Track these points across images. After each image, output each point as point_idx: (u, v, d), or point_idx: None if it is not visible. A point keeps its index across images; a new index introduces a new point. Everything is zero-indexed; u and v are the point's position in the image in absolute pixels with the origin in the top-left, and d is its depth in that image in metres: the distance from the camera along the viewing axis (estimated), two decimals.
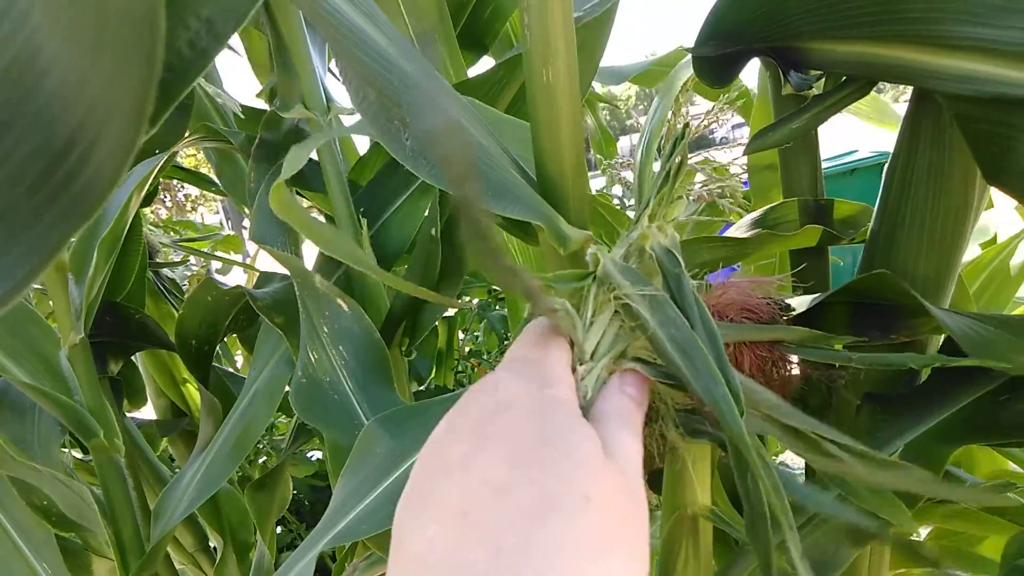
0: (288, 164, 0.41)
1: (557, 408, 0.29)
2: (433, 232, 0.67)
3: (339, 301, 0.58)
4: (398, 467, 0.51)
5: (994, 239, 1.26)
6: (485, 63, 1.00)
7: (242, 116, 0.92)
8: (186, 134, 0.81)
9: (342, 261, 0.51)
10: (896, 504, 0.44)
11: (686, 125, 0.48)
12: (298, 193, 0.95)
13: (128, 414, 1.39)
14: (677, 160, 0.48)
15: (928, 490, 0.34)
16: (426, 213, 0.74)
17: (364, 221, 0.72)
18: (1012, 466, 0.92)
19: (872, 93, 1.23)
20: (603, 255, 0.37)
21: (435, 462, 0.28)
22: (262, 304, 0.71)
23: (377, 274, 0.52)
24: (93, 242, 0.75)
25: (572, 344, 0.35)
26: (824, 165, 0.69)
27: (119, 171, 0.27)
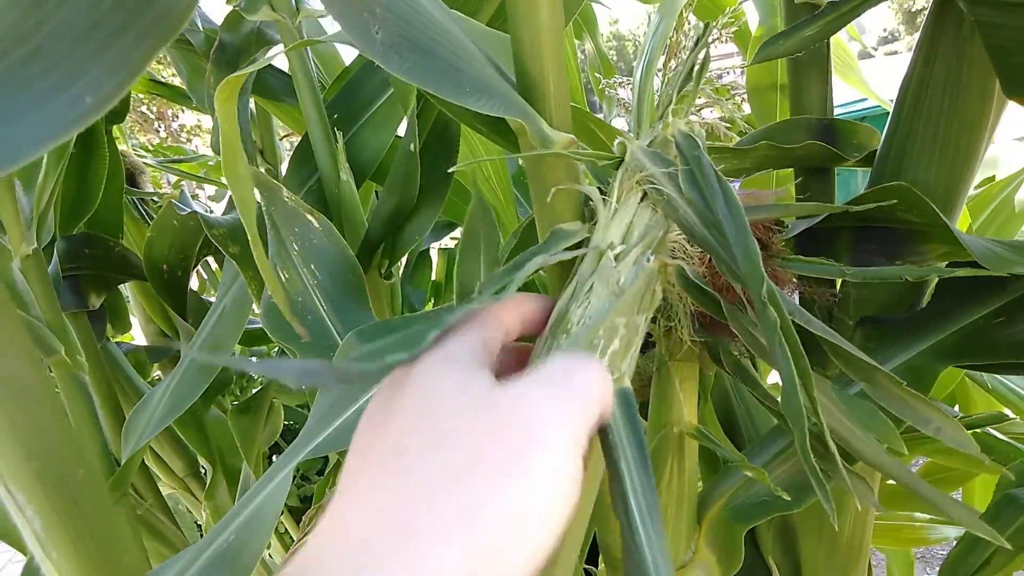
0: (250, 67, 0.38)
1: (438, 365, 0.30)
2: (411, 148, 0.63)
3: (309, 217, 0.55)
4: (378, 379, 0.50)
5: (992, 178, 1.24)
6: None
7: None
8: None
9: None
10: (886, 423, 0.43)
11: (708, 24, 0.47)
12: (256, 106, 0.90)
13: (114, 339, 1.38)
14: (700, 56, 0.47)
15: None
16: (403, 124, 0.70)
17: (339, 135, 0.68)
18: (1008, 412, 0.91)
19: (844, 46, 1.21)
20: (630, 142, 0.38)
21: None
22: (216, 232, 0.68)
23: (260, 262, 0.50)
24: None
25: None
26: (835, 112, 0.66)
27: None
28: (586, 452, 0.28)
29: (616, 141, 0.39)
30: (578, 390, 0.29)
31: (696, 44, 0.54)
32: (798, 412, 0.28)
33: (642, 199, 0.37)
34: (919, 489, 0.34)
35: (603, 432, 0.31)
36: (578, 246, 0.38)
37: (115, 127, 1.23)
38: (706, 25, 0.51)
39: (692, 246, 0.37)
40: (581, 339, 0.32)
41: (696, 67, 0.47)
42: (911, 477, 0.35)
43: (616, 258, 0.35)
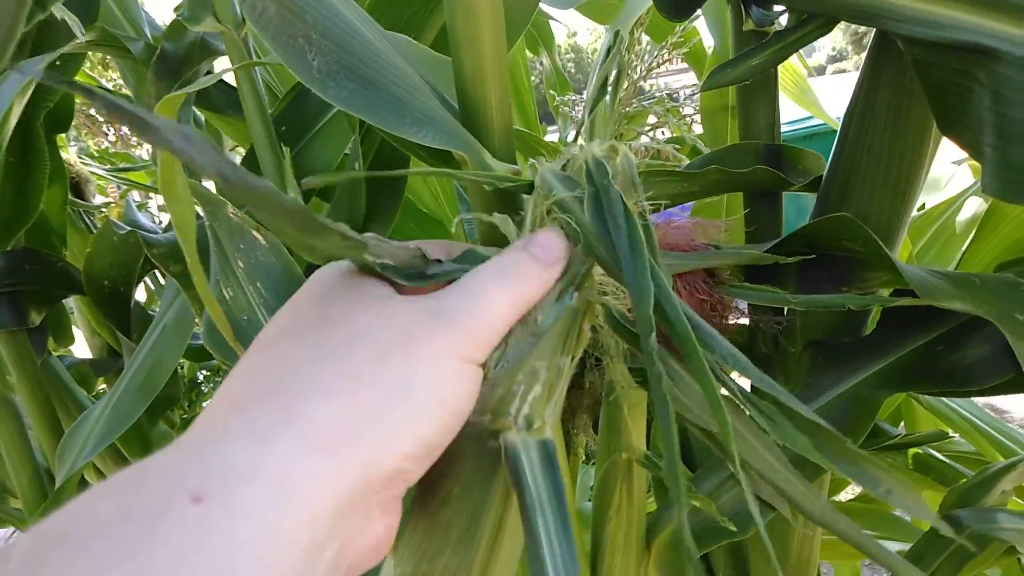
0: (196, 84, 0.37)
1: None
2: (357, 167, 0.62)
3: (255, 234, 0.54)
4: None
5: (922, 206, 1.26)
6: None
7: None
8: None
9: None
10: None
11: (618, 34, 0.45)
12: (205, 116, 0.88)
13: (56, 353, 1.33)
14: (615, 72, 0.44)
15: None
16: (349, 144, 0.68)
17: (286, 150, 0.67)
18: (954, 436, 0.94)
19: (796, 69, 1.24)
20: (542, 165, 0.36)
21: None
22: (157, 251, 0.66)
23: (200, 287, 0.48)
24: None
25: None
26: (783, 129, 0.67)
27: None
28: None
29: (529, 163, 0.36)
30: (471, 321, 0.28)
31: (606, 57, 0.52)
32: (676, 491, 0.26)
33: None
34: (849, 536, 0.33)
35: (519, 489, 0.28)
36: None
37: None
38: (615, 35, 0.49)
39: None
40: (498, 384, 0.30)
41: (609, 81, 0.45)
42: (844, 526, 0.33)
43: None
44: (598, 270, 0.34)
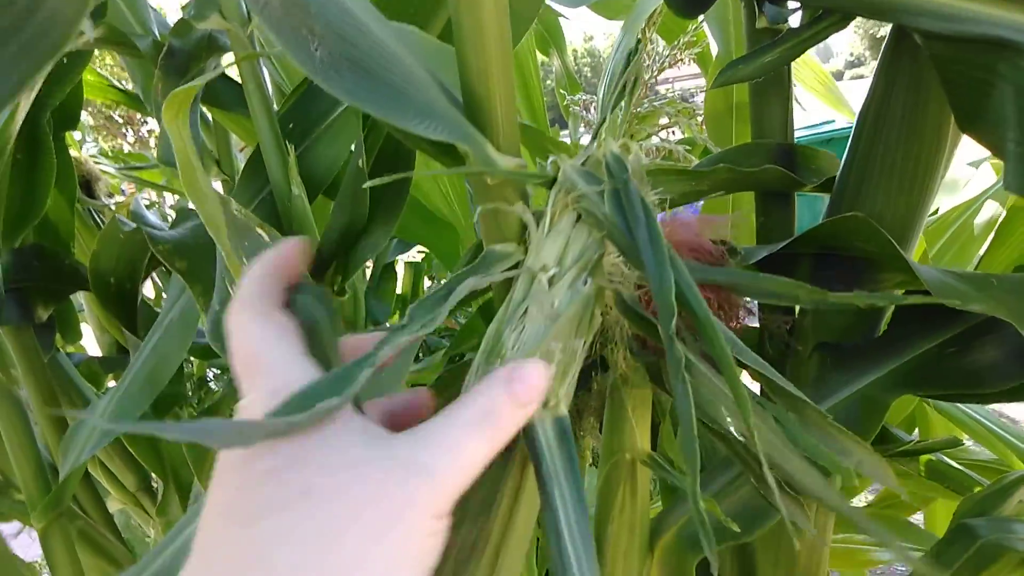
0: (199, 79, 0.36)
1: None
2: (360, 164, 0.61)
3: (259, 231, 0.53)
4: None
5: (935, 212, 1.24)
6: None
7: None
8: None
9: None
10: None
11: (639, 41, 0.47)
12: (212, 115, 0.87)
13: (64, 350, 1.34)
14: (633, 77, 0.46)
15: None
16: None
17: (291, 148, 0.66)
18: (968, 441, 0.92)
19: (822, 70, 1.23)
20: (563, 161, 0.38)
21: None
22: (163, 248, 0.65)
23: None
24: None
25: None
26: (800, 134, 0.66)
27: (79, 10, 0.27)
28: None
29: (550, 160, 0.38)
30: (452, 477, 0.27)
31: (627, 64, 0.54)
32: (693, 455, 0.29)
33: (577, 220, 0.36)
34: (862, 523, 0.34)
35: (536, 461, 0.30)
36: (516, 267, 0.37)
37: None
38: (637, 42, 0.50)
39: (629, 269, 0.36)
40: None
41: (628, 86, 0.47)
42: (854, 512, 0.35)
43: (551, 281, 0.35)
44: (609, 258, 0.36)
